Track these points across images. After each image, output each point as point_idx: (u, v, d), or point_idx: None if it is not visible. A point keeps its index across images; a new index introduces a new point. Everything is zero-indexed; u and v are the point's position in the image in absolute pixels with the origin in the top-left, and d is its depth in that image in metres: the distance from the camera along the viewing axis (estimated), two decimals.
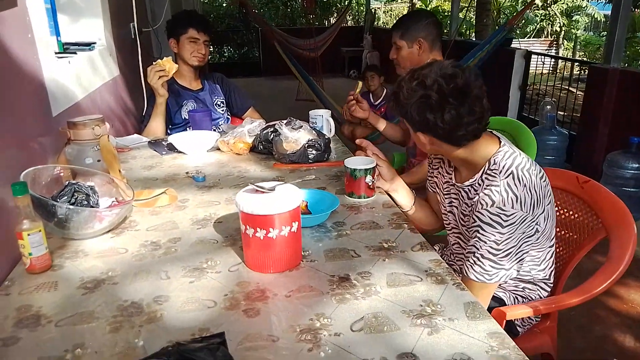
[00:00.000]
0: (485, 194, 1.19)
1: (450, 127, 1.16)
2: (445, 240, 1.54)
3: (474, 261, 1.22)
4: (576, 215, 1.53)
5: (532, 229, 1.19)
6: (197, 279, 1.03)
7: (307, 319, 0.89)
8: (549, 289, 1.40)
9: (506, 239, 1.18)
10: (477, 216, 1.20)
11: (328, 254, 1.13)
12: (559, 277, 1.49)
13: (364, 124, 2.40)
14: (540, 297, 1.39)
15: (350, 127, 2.71)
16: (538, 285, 1.38)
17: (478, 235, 1.21)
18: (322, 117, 2.09)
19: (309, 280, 1.03)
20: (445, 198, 1.42)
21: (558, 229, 1.58)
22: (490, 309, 1.16)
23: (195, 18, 2.29)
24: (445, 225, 1.48)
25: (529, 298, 1.39)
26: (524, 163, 1.21)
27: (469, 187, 1.28)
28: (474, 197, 1.26)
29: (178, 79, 2.30)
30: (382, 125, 2.17)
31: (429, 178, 1.52)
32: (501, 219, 1.16)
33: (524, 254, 1.22)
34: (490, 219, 1.17)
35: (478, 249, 1.21)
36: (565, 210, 1.57)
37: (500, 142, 1.25)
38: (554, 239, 1.37)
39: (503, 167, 1.20)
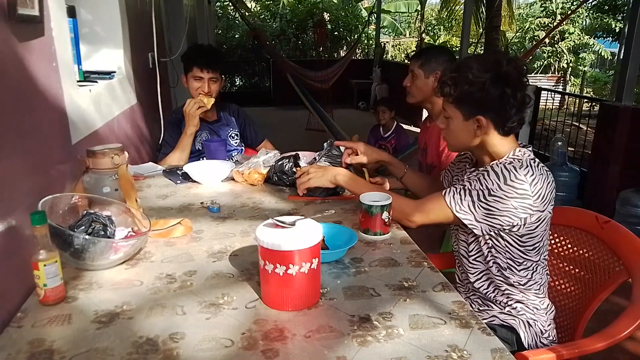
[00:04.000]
0: (510, 159, 1.29)
1: (516, 108, 1.26)
2: (453, 278, 1.53)
3: (458, 190, 1.31)
4: (592, 255, 1.50)
5: (521, 217, 1.25)
6: (213, 316, 1.01)
7: None
8: (544, 307, 1.40)
9: (498, 197, 1.25)
10: (491, 165, 1.30)
11: (347, 292, 1.11)
12: (579, 320, 1.45)
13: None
14: (536, 309, 1.38)
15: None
16: (527, 297, 1.37)
17: (480, 175, 1.29)
18: (338, 148, 2.08)
19: (328, 319, 1.00)
20: None
21: (575, 269, 1.55)
22: (512, 352, 1.13)
23: (200, 55, 2.21)
24: (454, 241, 1.51)
25: (532, 319, 1.37)
26: (545, 167, 1.30)
27: (490, 165, 1.31)
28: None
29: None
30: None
31: (445, 172, 1.65)
32: (509, 177, 1.24)
33: (499, 231, 1.30)
34: (501, 170, 1.26)
35: (470, 184, 1.30)
36: (583, 250, 1.54)
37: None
38: (546, 264, 1.41)
39: (529, 155, 1.30)
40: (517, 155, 1.29)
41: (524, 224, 1.26)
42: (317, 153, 1.86)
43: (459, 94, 1.28)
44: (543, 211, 1.26)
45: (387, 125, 4.46)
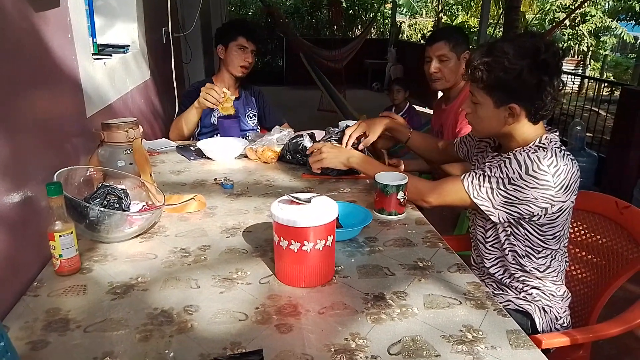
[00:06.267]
0: (534, 147, 1.22)
1: (552, 96, 1.19)
2: (467, 260, 1.51)
3: (478, 175, 1.27)
4: (609, 241, 1.47)
5: (541, 207, 1.21)
6: (227, 290, 1.01)
7: (342, 339, 0.86)
8: (561, 293, 1.37)
9: (517, 187, 1.21)
10: (514, 152, 1.24)
11: (361, 270, 1.10)
12: (593, 306, 1.44)
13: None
14: (552, 296, 1.36)
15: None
16: (544, 283, 1.35)
17: (501, 162, 1.24)
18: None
19: (342, 297, 0.99)
20: None
21: (589, 255, 1.53)
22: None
23: (246, 26, 2.31)
24: (471, 225, 1.48)
25: (547, 306, 1.35)
26: (571, 155, 1.24)
27: (513, 152, 1.26)
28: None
29: (218, 84, 2.30)
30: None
31: (460, 143, 1.62)
32: (531, 167, 1.19)
33: (518, 220, 1.26)
34: (524, 159, 1.20)
35: (491, 170, 1.25)
36: (600, 236, 1.52)
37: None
38: (565, 251, 1.37)
39: (555, 143, 1.24)
40: (543, 143, 1.23)
41: (545, 214, 1.23)
42: (327, 134, 1.82)
43: (492, 80, 1.20)
44: (565, 201, 1.22)
45: (400, 105, 4.46)
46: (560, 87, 1.21)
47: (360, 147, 1.73)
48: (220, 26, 2.39)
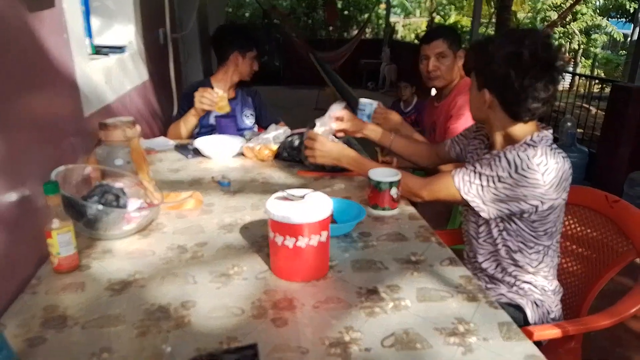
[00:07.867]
0: (524, 146, 1.23)
1: (521, 96, 1.19)
2: (460, 255, 1.53)
3: (468, 171, 1.29)
4: (599, 235, 1.50)
5: (531, 204, 1.23)
6: (224, 285, 1.02)
7: (336, 332, 0.88)
8: (552, 288, 1.39)
9: (507, 185, 1.22)
10: (504, 151, 1.25)
11: (355, 264, 1.12)
12: (584, 298, 1.46)
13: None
14: (544, 291, 1.38)
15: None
16: (536, 278, 1.37)
17: (491, 160, 1.26)
18: (372, 106, 2.05)
19: (336, 291, 1.01)
20: None
21: (581, 248, 1.55)
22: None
23: (257, 38, 2.38)
24: (463, 221, 1.49)
25: (539, 299, 1.37)
26: (563, 153, 1.25)
27: (503, 150, 1.27)
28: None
29: (215, 84, 2.31)
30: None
31: (453, 143, 1.64)
32: (521, 166, 1.20)
33: (509, 216, 1.28)
34: (513, 158, 1.21)
35: (481, 167, 1.27)
36: (591, 230, 1.54)
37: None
38: (558, 247, 1.39)
39: (546, 141, 1.25)
40: (534, 141, 1.24)
41: (535, 211, 1.25)
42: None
43: (475, 63, 1.29)
44: (556, 199, 1.24)
45: (408, 100, 4.50)
46: (541, 95, 1.19)
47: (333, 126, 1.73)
48: (233, 32, 2.37)
